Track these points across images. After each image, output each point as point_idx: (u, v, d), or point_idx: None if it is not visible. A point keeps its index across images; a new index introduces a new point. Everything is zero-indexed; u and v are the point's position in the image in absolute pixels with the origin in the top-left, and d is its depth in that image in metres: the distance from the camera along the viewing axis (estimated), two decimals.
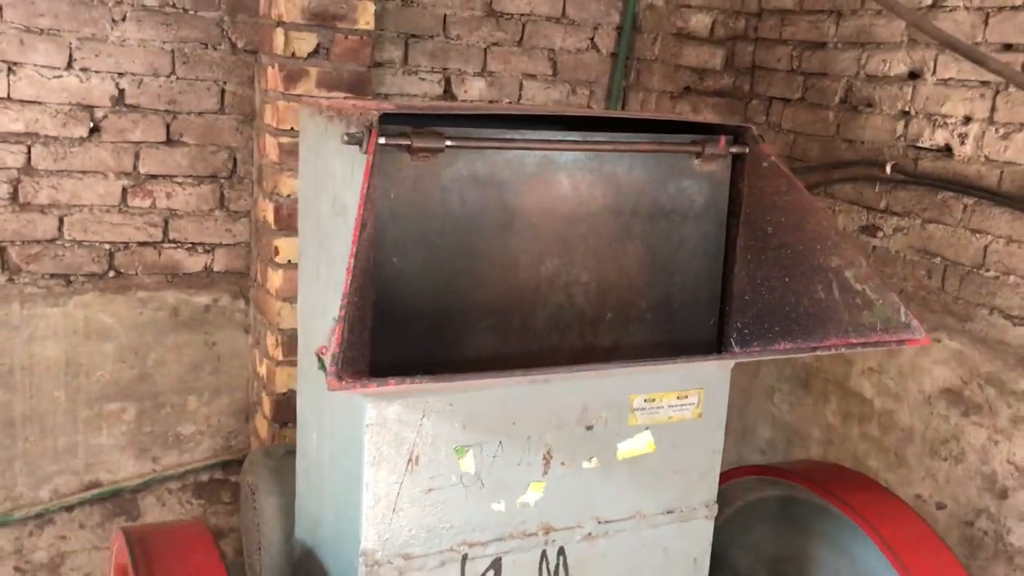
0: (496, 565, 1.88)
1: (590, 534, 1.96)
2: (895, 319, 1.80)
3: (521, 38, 3.60)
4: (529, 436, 1.85)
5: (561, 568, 1.94)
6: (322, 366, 1.92)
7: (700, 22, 3.62)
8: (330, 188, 1.83)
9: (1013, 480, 2.80)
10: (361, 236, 1.50)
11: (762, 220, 1.96)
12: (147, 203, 3.25)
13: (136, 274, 3.27)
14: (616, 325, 1.94)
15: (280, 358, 3.22)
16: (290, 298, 3.18)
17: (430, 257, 1.77)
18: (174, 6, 3.16)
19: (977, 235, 2.90)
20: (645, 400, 1.94)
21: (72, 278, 3.19)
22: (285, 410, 3.28)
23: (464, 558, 1.85)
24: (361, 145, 1.62)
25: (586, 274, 1.89)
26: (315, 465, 2.01)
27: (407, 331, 1.78)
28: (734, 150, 1.95)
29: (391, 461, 1.75)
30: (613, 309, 1.93)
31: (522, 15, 3.58)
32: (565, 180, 1.84)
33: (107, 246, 3.22)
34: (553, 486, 1.90)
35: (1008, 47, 2.78)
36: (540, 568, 1.92)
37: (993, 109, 2.84)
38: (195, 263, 3.36)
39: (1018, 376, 2.78)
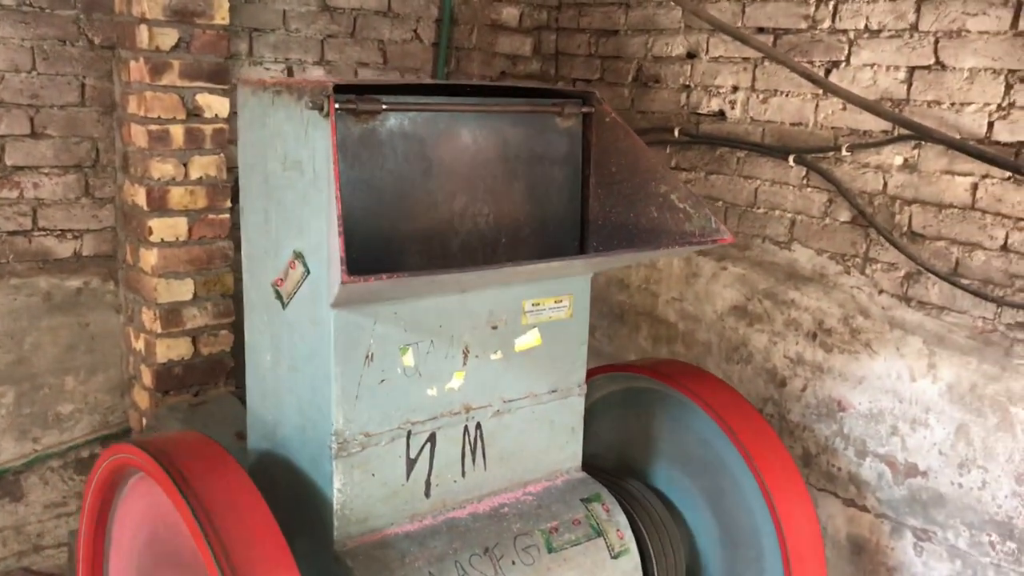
0: (432, 438, 2.54)
1: (498, 411, 2.65)
2: (708, 226, 2.61)
3: (353, 30, 4.22)
4: (452, 335, 2.52)
5: (479, 439, 2.62)
6: (278, 296, 2.50)
7: (510, 14, 4.40)
8: (280, 149, 2.40)
9: (788, 371, 3.75)
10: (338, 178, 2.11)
11: (608, 162, 2.74)
12: (15, 194, 3.59)
13: (8, 262, 3.60)
14: (509, 247, 2.65)
15: (159, 331, 3.66)
16: (166, 274, 3.62)
17: (372, 197, 2.40)
18: (31, 5, 3.51)
19: (749, 180, 3.85)
20: (532, 304, 2.66)
21: None
22: (167, 379, 3.71)
23: (408, 433, 2.49)
24: (322, 109, 2.22)
25: (486, 208, 2.58)
26: (272, 380, 2.57)
27: (355, 256, 2.39)
28: (584, 110, 2.72)
29: (352, 359, 2.36)
30: (506, 234, 2.64)
31: (353, 9, 4.20)
32: (467, 135, 2.53)
33: None
34: (471, 374, 2.58)
35: (761, 30, 3.74)
36: (463, 439, 2.59)
37: (754, 80, 3.79)
38: (65, 249, 3.72)
39: (786, 289, 3.74)
